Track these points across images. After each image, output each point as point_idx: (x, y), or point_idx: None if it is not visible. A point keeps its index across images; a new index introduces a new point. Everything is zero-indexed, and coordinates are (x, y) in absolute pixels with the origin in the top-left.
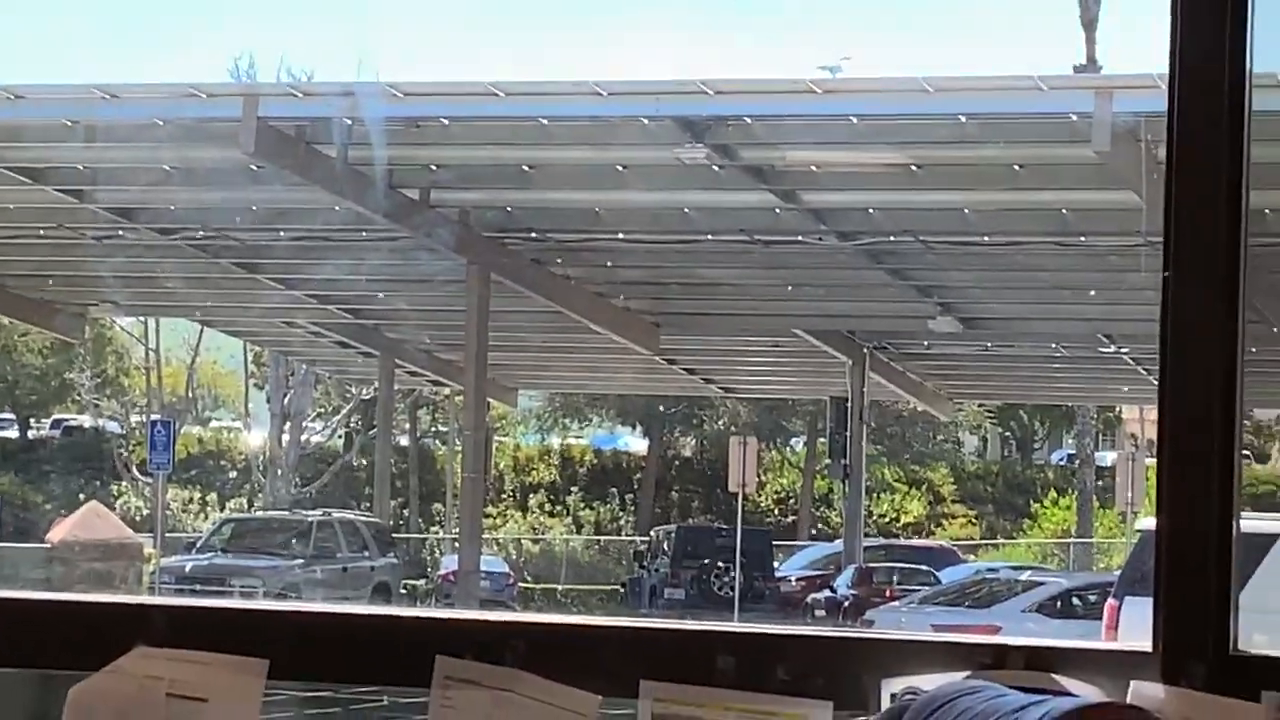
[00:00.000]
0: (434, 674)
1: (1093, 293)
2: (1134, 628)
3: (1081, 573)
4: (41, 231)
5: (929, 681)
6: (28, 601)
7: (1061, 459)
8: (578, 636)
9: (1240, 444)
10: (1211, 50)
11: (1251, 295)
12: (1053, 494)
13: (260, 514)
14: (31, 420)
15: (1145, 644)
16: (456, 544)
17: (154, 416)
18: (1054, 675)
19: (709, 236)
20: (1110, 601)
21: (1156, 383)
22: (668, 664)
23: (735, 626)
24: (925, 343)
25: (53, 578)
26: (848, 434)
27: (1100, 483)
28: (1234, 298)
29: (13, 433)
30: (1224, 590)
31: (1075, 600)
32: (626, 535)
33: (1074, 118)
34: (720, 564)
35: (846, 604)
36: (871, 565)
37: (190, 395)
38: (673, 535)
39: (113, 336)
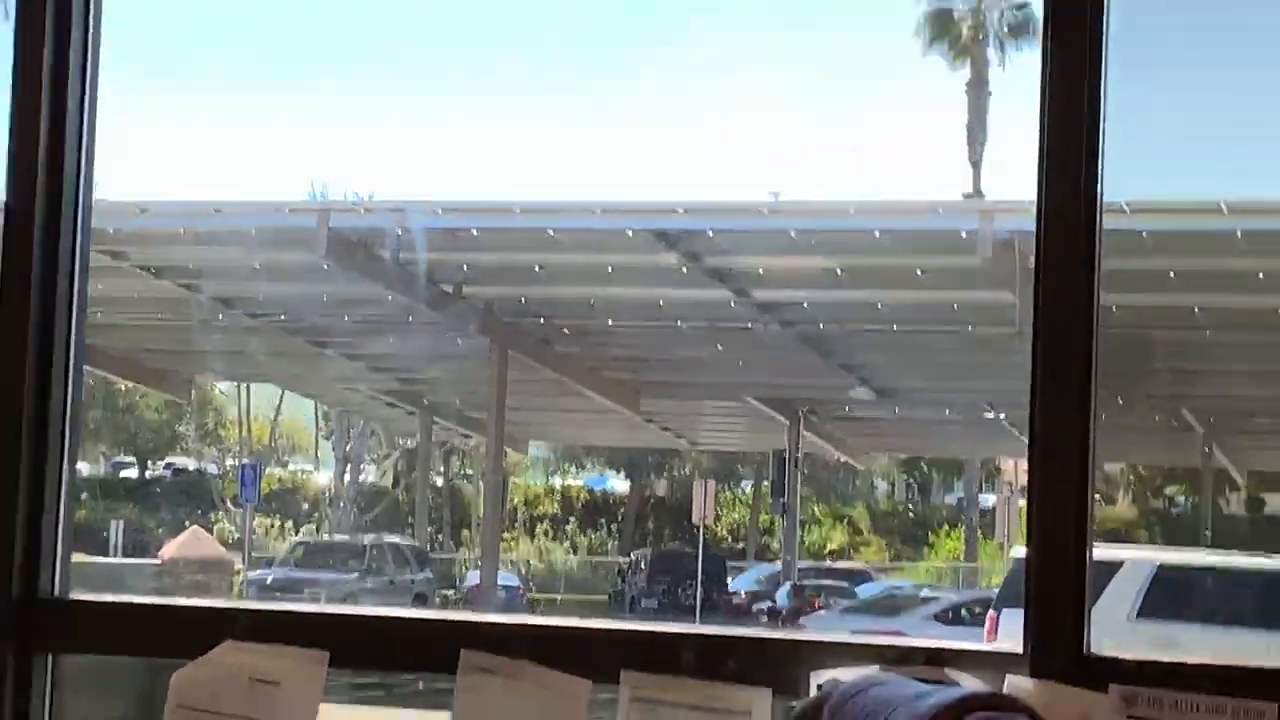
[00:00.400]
0: (460, 664)
1: (982, 364)
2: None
3: (968, 590)
4: (159, 315)
5: (848, 674)
6: (143, 605)
7: (953, 500)
8: (573, 636)
9: (1093, 489)
10: (1070, 184)
11: (1102, 372)
12: (946, 528)
13: (326, 538)
14: (148, 462)
15: (1018, 646)
16: (479, 562)
17: (244, 460)
18: (947, 670)
19: (679, 323)
20: (990, 613)
21: (1028, 441)
22: (643, 658)
23: (696, 629)
24: (847, 407)
25: (162, 588)
26: (786, 479)
27: (983, 520)
28: (1088, 373)
29: (134, 473)
30: (1079, 604)
31: (964, 612)
32: (613, 556)
33: (963, 234)
34: (686, 580)
35: (784, 613)
36: (804, 582)
37: (273, 444)
38: (648, 557)
39: (213, 398)
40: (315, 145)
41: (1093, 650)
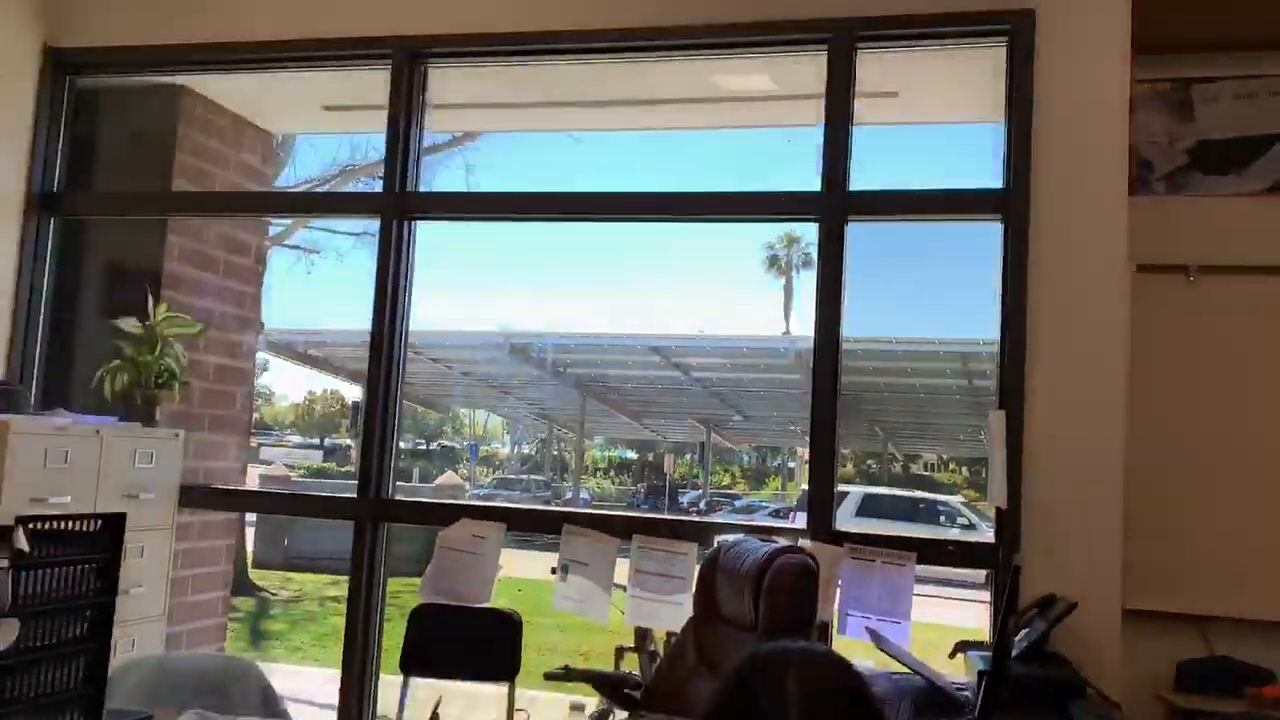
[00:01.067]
0: (563, 530)
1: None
2: (802, 523)
3: (783, 503)
4: (435, 384)
5: (729, 537)
6: (426, 503)
7: (778, 464)
8: (609, 518)
9: (837, 460)
10: (829, 329)
11: (840, 411)
12: (775, 476)
13: (506, 476)
14: (428, 443)
15: (804, 526)
16: (572, 489)
17: (470, 442)
18: (774, 537)
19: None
20: (792, 513)
21: (808, 440)
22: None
23: (666, 516)
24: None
25: (436, 496)
26: (706, 456)
27: (789, 475)
28: (834, 410)
29: (423, 446)
30: (828, 509)
31: (780, 514)
32: (630, 488)
33: (781, 350)
34: (662, 497)
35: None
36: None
37: (484, 434)
38: (644, 488)
39: (457, 414)
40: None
41: (836, 528)
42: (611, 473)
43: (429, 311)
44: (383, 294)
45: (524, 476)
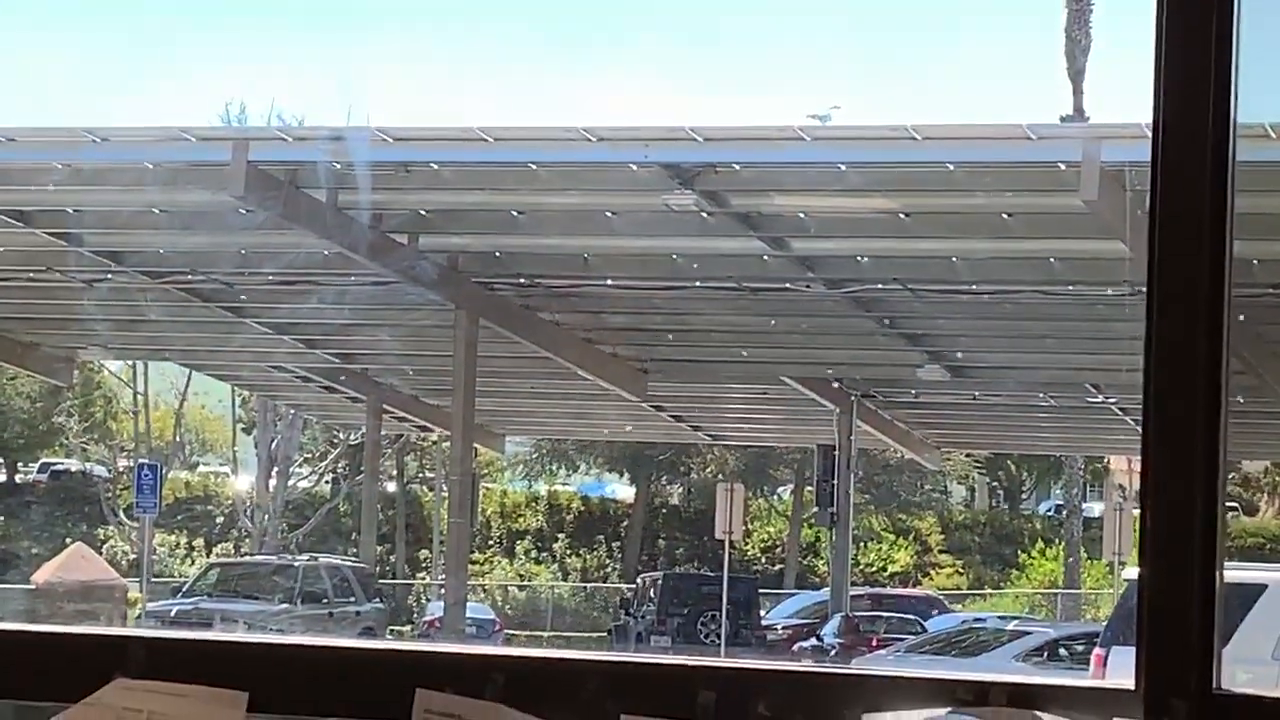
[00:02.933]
0: (414, 707)
1: (1087, 334)
2: (1122, 677)
3: (1069, 622)
4: (30, 274)
5: (910, 718)
6: (7, 633)
7: (1049, 509)
8: (558, 671)
9: (1224, 493)
10: (1195, 100)
11: (1238, 346)
12: (1040, 544)
13: (247, 558)
14: (19, 464)
15: (1129, 682)
16: (443, 590)
17: (141, 460)
18: (1037, 713)
19: (697, 283)
20: (1097, 651)
21: (1141, 432)
22: (649, 699)
23: (716, 661)
24: (913, 391)
25: (36, 618)
26: (835, 482)
27: (1088, 533)
28: (1218, 348)
29: (0, 476)
30: (1207, 631)
31: (1062, 650)
32: (613, 582)
33: (1062, 167)
34: (707, 611)
35: (833, 652)
36: (858, 614)
37: (178, 439)
38: (659, 582)
39: (101, 380)
40: (229, 57)
41: (1223, 687)
42: (560, 542)
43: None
44: None
45: (298, 561)
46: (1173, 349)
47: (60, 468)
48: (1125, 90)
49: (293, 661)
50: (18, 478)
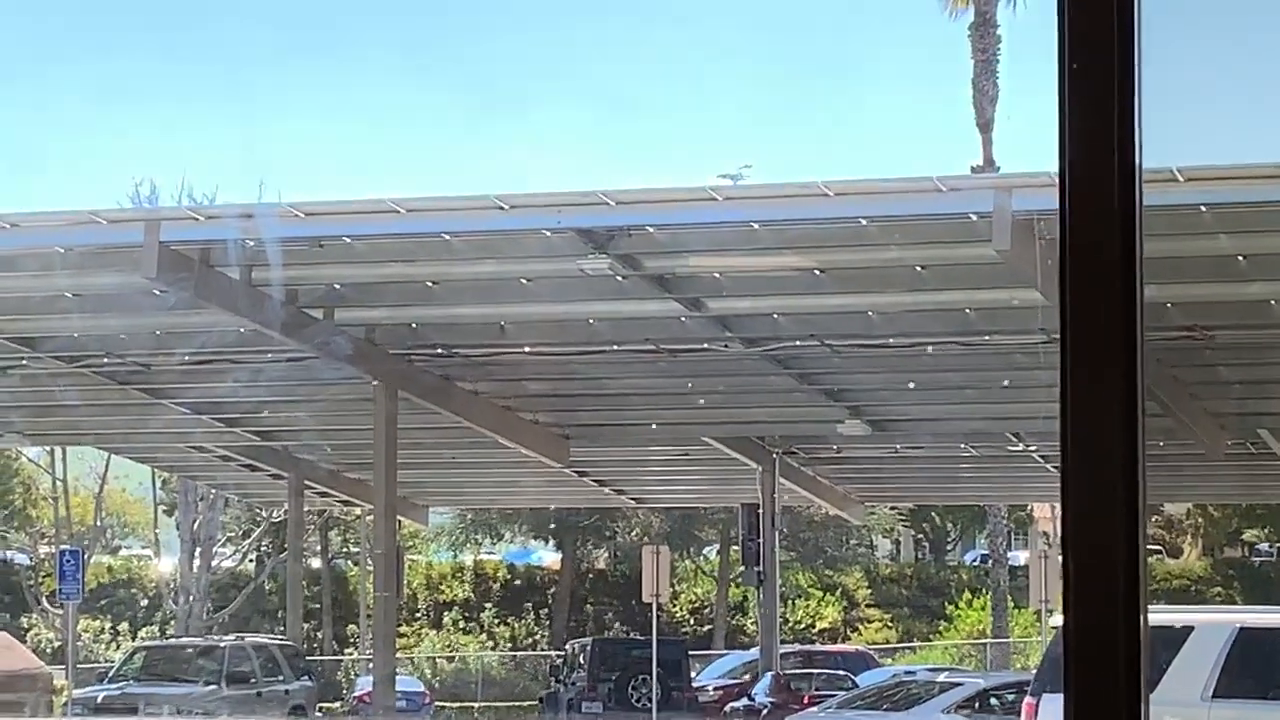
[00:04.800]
0: None
1: (1004, 383)
2: None
3: (999, 672)
4: None
5: None
6: None
7: (975, 559)
8: None
9: (1144, 536)
10: (1099, 148)
11: (1155, 388)
12: (967, 595)
13: (172, 641)
14: None
15: None
16: (371, 665)
17: (63, 546)
18: None
19: (614, 346)
20: (1028, 700)
21: (1060, 478)
22: None
23: None
24: (835, 446)
25: None
26: (760, 540)
27: (1014, 582)
28: (1133, 392)
29: None
30: (1134, 675)
31: (993, 700)
32: (542, 650)
33: (974, 217)
34: (637, 675)
35: (765, 711)
36: (789, 672)
37: (99, 523)
38: (588, 648)
39: (19, 467)
40: (137, 138)
41: None
42: (487, 611)
43: None
44: None
45: (225, 642)
46: (1088, 395)
47: None
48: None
49: None
50: None
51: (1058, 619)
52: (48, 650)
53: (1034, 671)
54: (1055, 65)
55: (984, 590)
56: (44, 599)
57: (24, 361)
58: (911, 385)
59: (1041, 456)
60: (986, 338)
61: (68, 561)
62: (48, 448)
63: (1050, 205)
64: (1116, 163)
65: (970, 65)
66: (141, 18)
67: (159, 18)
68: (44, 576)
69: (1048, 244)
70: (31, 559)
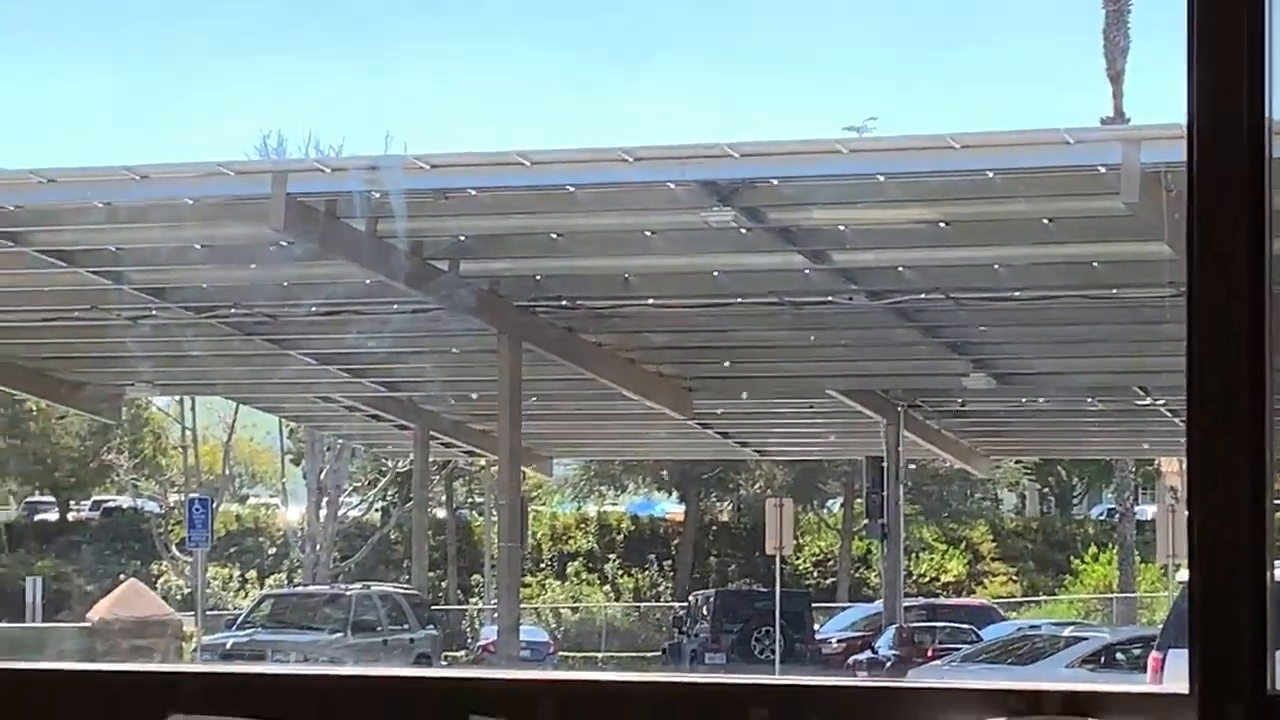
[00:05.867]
0: None
1: (1131, 337)
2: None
3: (1125, 627)
4: (76, 313)
5: None
6: (64, 673)
7: (1101, 514)
8: (611, 693)
9: (1271, 491)
10: (1229, 100)
11: None
12: (1093, 549)
13: (299, 589)
14: (71, 502)
15: (1183, 686)
16: (495, 614)
17: (192, 495)
18: None
19: (738, 299)
20: (1154, 654)
21: (1185, 432)
22: (701, 717)
23: (768, 678)
24: (959, 400)
25: (92, 656)
26: (884, 494)
27: (1141, 536)
28: (1260, 344)
29: (52, 515)
30: (1259, 632)
31: (1119, 654)
32: (665, 601)
33: (1102, 170)
34: (760, 627)
35: (888, 664)
36: (912, 625)
37: (227, 472)
38: (712, 600)
39: (149, 416)
40: (265, 90)
41: (1278, 689)
42: (611, 562)
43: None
44: None
45: (351, 591)
46: (1215, 349)
47: (112, 504)
48: (1168, 89)
49: (348, 692)
50: (69, 516)
51: (1185, 574)
52: (177, 597)
53: (1160, 627)
54: (1184, 17)
55: (1110, 545)
56: (173, 546)
57: (153, 312)
58: (1037, 338)
59: (1170, 410)
60: (1113, 291)
61: (197, 510)
62: (177, 397)
63: (1179, 158)
64: (1245, 116)
65: (1101, 15)
66: None
67: None
68: (173, 524)
69: (1176, 197)
70: (161, 507)
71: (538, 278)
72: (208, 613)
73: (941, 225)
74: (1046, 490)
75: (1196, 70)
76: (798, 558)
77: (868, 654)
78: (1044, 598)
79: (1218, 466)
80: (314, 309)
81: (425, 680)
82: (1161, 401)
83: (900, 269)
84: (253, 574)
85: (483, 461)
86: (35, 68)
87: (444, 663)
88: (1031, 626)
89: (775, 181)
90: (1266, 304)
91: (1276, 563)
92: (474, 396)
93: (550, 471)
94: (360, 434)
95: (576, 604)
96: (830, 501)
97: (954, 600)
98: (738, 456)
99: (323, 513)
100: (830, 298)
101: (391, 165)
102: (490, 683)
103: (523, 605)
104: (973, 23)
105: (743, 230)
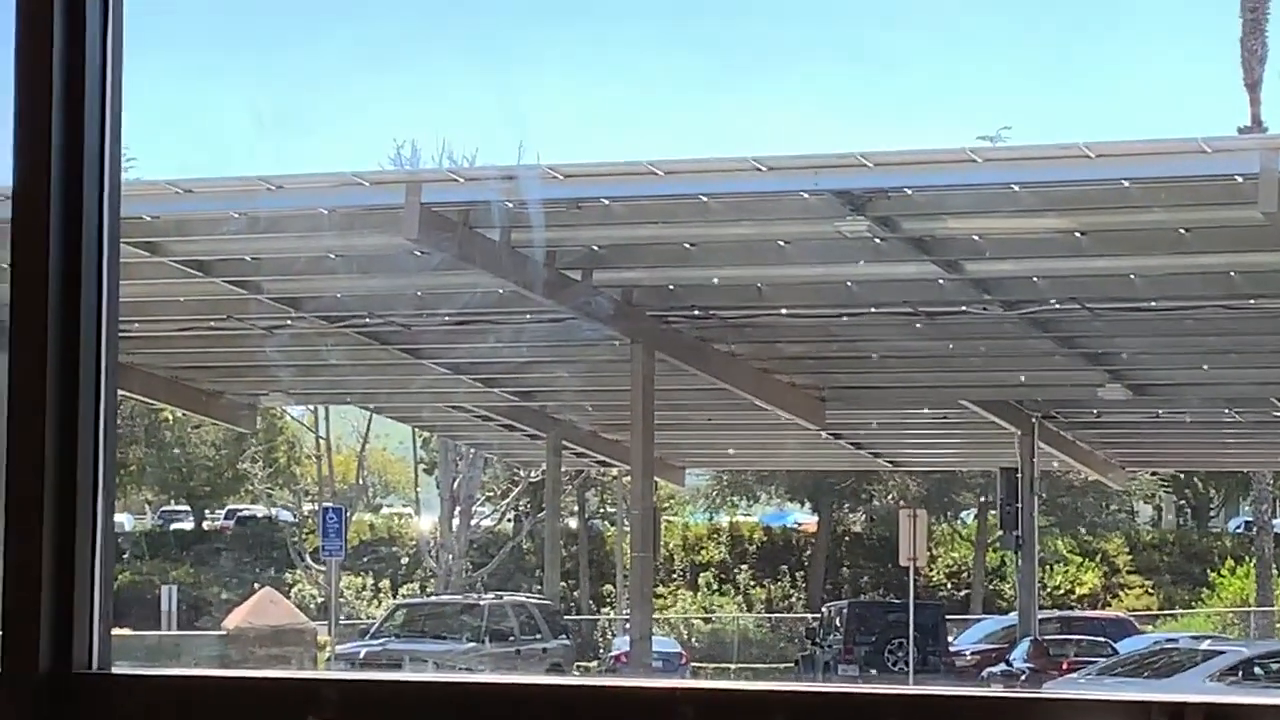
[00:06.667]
0: None
1: (1271, 348)
2: None
3: (1263, 641)
4: (211, 323)
5: None
6: (203, 679)
7: (1238, 526)
8: (747, 702)
9: None
10: None
11: None
12: (1230, 562)
13: (433, 598)
14: (206, 511)
15: None
16: (628, 625)
17: (326, 504)
18: None
19: (872, 309)
20: None
21: None
22: None
23: (905, 689)
24: (1094, 411)
25: (228, 664)
26: (1019, 505)
27: (1279, 550)
28: None
29: (188, 524)
30: None
31: (1258, 668)
32: (798, 612)
33: (1239, 179)
34: (893, 639)
35: (1023, 677)
36: (1047, 638)
37: (361, 482)
38: (844, 611)
39: (284, 426)
40: (398, 101)
41: None
42: (743, 573)
43: (185, 137)
44: (33, 82)
45: (484, 600)
46: None
47: (246, 513)
48: None
49: (483, 700)
50: (205, 524)
51: None
52: (311, 606)
53: None
54: None
55: (1247, 558)
56: (308, 555)
57: (289, 321)
58: (1174, 349)
59: None
60: (1252, 301)
61: (330, 519)
62: (311, 407)
63: None
64: None
65: (1239, 23)
66: None
67: None
68: (308, 533)
69: None
70: (296, 516)
71: (671, 287)
72: (341, 622)
73: (1077, 235)
74: (1183, 503)
75: None
76: (931, 569)
77: (1002, 666)
78: (1180, 611)
79: None
80: (448, 318)
81: (562, 688)
82: None
83: (1035, 279)
84: (386, 583)
85: (615, 471)
86: (173, 81)
87: (576, 673)
88: (1169, 640)
89: (909, 191)
90: None
91: None
92: (604, 407)
93: (683, 482)
94: (493, 443)
95: (709, 615)
96: (964, 513)
97: (1089, 613)
98: (871, 467)
99: (455, 522)
100: (964, 308)
101: (526, 174)
102: (627, 691)
103: (655, 616)
104: (1108, 31)
105: (876, 240)
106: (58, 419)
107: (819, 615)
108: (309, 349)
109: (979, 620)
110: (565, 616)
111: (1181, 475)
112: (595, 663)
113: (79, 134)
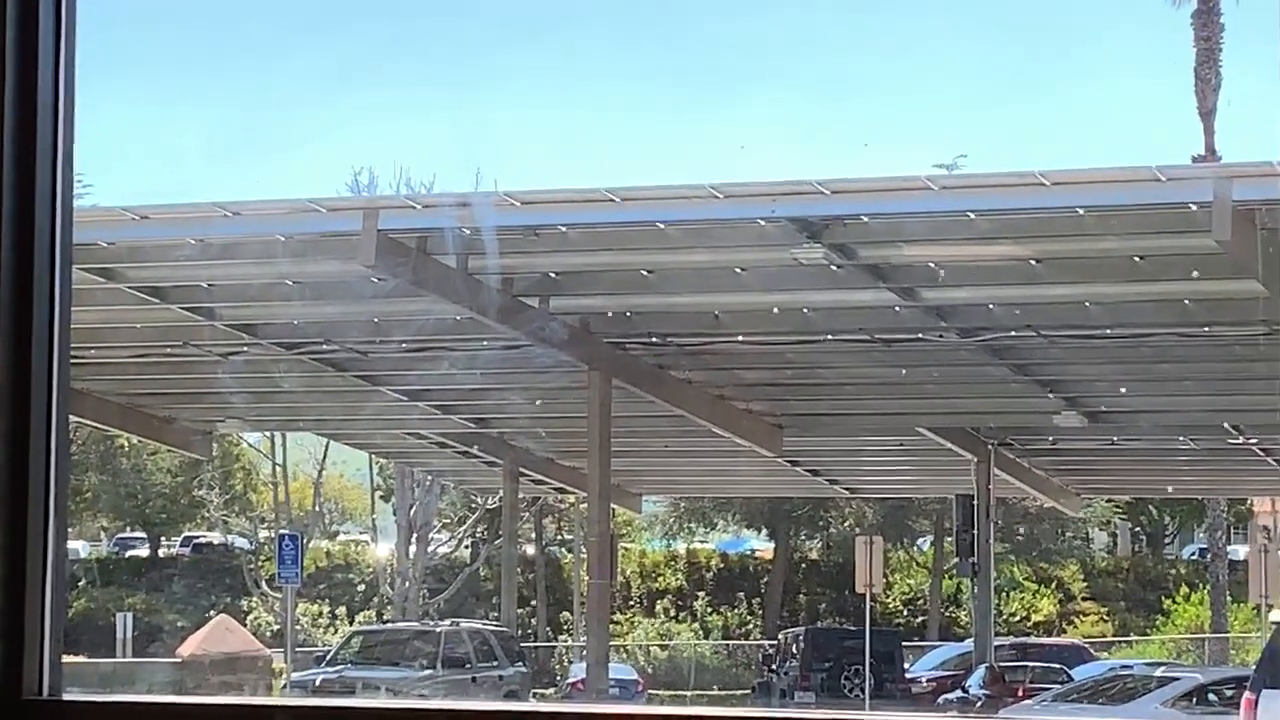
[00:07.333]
0: None
1: (1224, 375)
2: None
3: (1217, 667)
4: (167, 349)
5: None
6: (156, 706)
7: (1193, 553)
8: None
9: None
10: None
11: None
12: (1185, 589)
13: (389, 625)
14: (162, 538)
15: None
16: (585, 651)
17: (282, 531)
18: None
19: (829, 336)
20: (1247, 695)
21: None
22: None
23: (861, 715)
24: (1050, 438)
25: (182, 691)
26: (975, 532)
27: (1233, 576)
28: None
29: (143, 551)
30: None
31: (1211, 695)
32: (754, 639)
33: (1193, 207)
34: (850, 665)
35: (979, 704)
36: (1003, 664)
37: (317, 509)
38: (801, 638)
39: (240, 453)
40: (355, 127)
41: None
42: (700, 600)
43: (140, 162)
44: None
45: (440, 627)
46: None
47: (202, 540)
48: (1260, 127)
49: None
50: (161, 551)
51: (1277, 614)
52: (267, 633)
53: (1253, 667)
54: (1276, 56)
55: (1202, 584)
56: (263, 582)
57: (244, 348)
58: (1129, 376)
59: (1262, 450)
60: (1206, 329)
61: (287, 546)
62: (267, 433)
63: (1271, 195)
64: None
65: (1192, 53)
66: (359, 5)
67: (376, 5)
68: (264, 560)
69: (1269, 234)
70: (252, 543)
71: (628, 314)
72: (297, 649)
73: (1032, 262)
74: (1138, 529)
75: None
76: (888, 596)
77: (958, 693)
78: (1135, 637)
79: None
80: (404, 345)
81: (518, 715)
82: (1254, 440)
83: (991, 306)
84: (342, 610)
85: (572, 498)
86: (128, 105)
87: (533, 699)
88: (1123, 666)
89: (865, 218)
90: None
91: None
92: (560, 433)
93: (640, 508)
94: (449, 470)
95: (666, 642)
96: (920, 540)
97: (1045, 639)
98: (828, 494)
99: (412, 549)
100: (921, 335)
101: (482, 201)
102: (582, 716)
103: (612, 643)
104: (1063, 61)
105: (833, 267)
106: (8, 445)
107: (776, 642)
108: (265, 375)
109: (935, 647)
110: (522, 643)
111: (1136, 502)
112: (552, 690)
113: (30, 161)
